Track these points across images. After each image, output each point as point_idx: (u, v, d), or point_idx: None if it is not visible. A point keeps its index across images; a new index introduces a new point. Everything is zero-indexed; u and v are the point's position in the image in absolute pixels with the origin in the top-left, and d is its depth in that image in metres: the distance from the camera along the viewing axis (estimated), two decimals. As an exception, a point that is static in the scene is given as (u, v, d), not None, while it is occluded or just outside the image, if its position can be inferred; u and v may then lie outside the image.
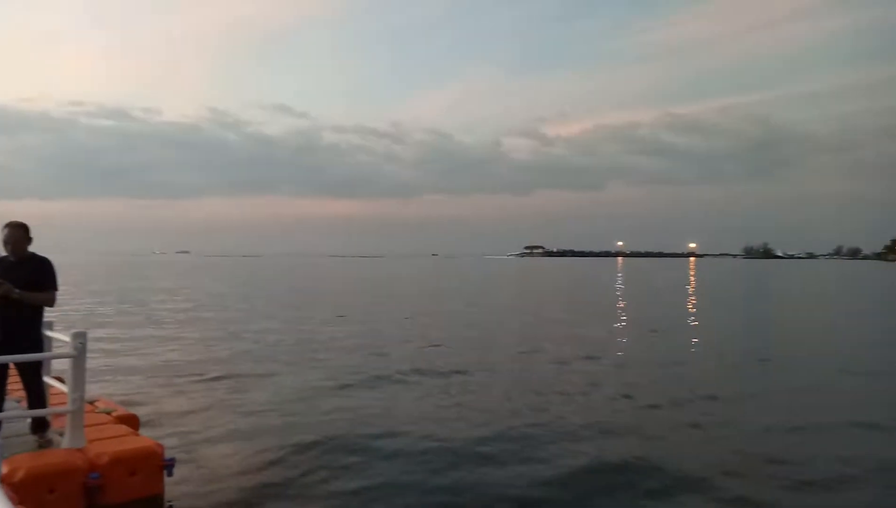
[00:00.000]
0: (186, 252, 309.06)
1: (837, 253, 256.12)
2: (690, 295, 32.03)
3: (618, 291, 35.62)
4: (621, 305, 25.44)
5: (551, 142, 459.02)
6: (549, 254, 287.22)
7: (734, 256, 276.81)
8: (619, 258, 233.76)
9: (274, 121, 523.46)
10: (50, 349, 4.40)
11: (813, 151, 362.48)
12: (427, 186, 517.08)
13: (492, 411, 7.39)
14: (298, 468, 5.20)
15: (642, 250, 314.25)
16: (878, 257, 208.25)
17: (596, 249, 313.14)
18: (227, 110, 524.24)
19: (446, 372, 9.77)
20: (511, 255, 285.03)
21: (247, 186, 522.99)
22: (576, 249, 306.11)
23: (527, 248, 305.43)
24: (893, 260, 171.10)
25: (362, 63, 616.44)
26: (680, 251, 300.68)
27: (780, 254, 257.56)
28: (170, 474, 4.04)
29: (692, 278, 55.06)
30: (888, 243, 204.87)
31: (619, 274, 67.28)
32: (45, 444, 3.99)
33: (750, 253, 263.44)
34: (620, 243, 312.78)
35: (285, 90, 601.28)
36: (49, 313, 4.34)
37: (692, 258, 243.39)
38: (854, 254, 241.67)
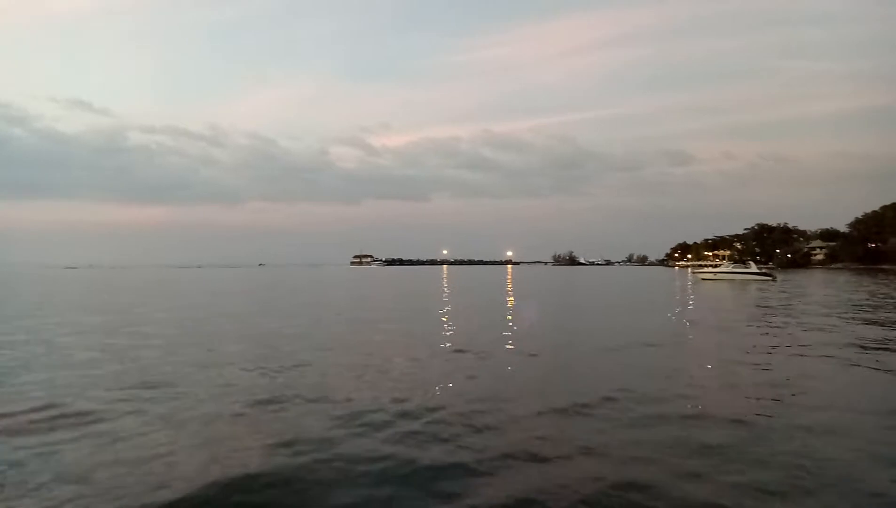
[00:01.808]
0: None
1: (630, 260, 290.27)
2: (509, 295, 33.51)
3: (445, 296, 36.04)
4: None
5: (378, 152, 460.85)
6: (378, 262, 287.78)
7: (545, 263, 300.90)
8: (445, 266, 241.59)
9: (70, 117, 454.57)
10: None
11: (608, 170, 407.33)
12: (250, 193, 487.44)
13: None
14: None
15: (465, 258, 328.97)
16: (661, 263, 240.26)
17: (423, 257, 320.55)
18: (12, 103, 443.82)
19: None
20: (378, 263, 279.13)
21: (36, 189, 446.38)
22: (404, 257, 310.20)
23: (356, 257, 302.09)
24: (673, 265, 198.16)
25: (175, 58, 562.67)
26: (499, 259, 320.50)
27: (582, 261, 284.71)
28: None
29: (510, 282, 58.36)
30: (668, 251, 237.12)
31: (445, 280, 69.06)
32: None
33: (558, 261, 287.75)
34: (446, 252, 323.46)
35: (83, 84, 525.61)
36: None
37: (509, 266, 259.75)
38: (643, 261, 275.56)
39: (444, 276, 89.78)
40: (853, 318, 21.02)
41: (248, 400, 8.62)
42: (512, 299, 33.37)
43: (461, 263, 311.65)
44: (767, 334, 16.70)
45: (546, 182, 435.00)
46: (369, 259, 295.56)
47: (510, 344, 14.47)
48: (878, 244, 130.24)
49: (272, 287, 50.90)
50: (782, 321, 20.33)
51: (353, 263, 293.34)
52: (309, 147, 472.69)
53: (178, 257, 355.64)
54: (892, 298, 31.81)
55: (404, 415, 7.81)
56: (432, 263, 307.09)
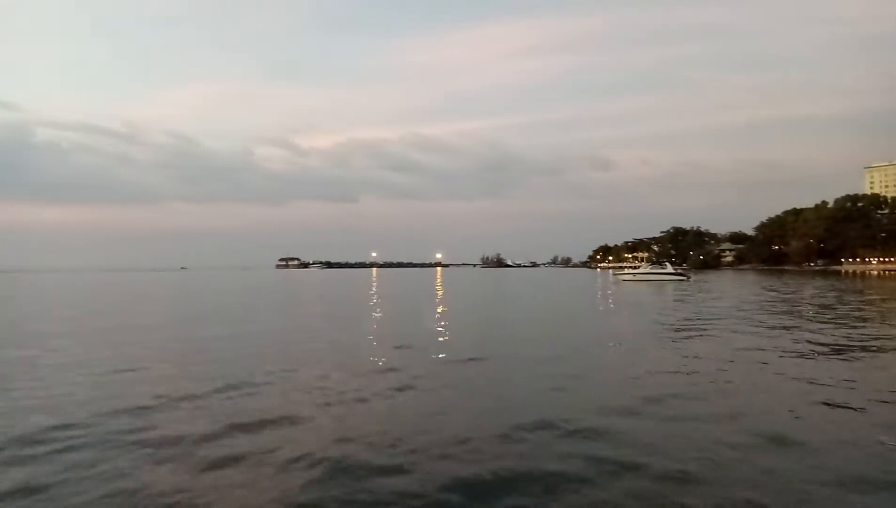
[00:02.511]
0: None
1: (554, 262, 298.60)
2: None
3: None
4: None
5: (305, 153, 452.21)
6: (305, 266, 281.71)
7: (474, 265, 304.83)
8: (374, 269, 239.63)
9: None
10: None
11: (533, 173, 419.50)
12: (171, 194, 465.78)
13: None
14: None
15: (395, 260, 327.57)
16: (584, 264, 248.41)
17: (352, 260, 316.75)
18: None
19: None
20: (318, 266, 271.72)
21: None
22: (332, 260, 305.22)
23: (282, 260, 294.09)
24: (595, 267, 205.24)
25: (90, 51, 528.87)
26: (428, 262, 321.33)
27: (509, 263, 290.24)
28: None
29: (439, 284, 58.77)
30: (591, 253, 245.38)
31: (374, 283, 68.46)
32: None
33: (486, 263, 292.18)
34: (375, 254, 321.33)
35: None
36: None
37: (439, 268, 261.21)
38: (567, 262, 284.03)
39: (375, 279, 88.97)
40: (771, 315, 22.46)
41: (170, 430, 8.13)
42: (443, 306, 33.44)
43: (391, 265, 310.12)
44: (692, 338, 17.50)
45: (473, 185, 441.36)
46: (296, 262, 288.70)
47: (450, 353, 14.43)
48: (781, 247, 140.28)
49: (200, 293, 48.71)
50: (701, 322, 21.38)
51: (278, 266, 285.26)
52: (233, 147, 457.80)
53: (92, 260, 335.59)
54: (793, 296, 34.31)
55: (345, 442, 7.57)
56: (362, 265, 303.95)
